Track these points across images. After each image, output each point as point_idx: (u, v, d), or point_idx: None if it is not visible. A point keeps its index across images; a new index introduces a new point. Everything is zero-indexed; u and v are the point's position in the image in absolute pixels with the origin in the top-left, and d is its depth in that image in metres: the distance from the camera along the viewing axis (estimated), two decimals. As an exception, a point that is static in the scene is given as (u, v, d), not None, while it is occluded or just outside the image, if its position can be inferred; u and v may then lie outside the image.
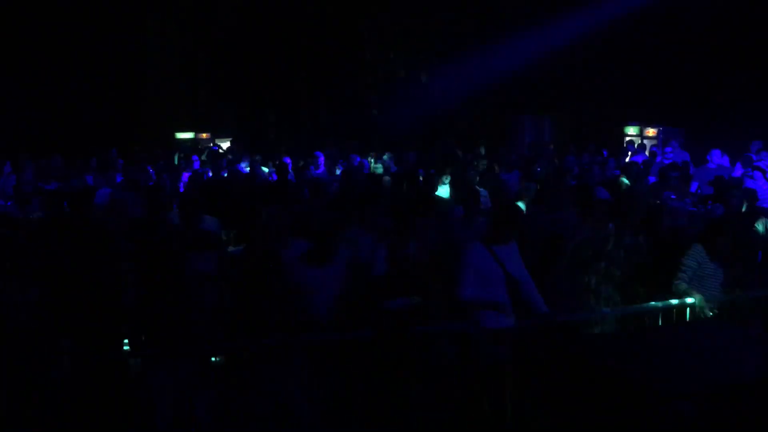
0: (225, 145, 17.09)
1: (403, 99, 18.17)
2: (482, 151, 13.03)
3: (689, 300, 5.49)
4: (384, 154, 13.24)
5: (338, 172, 11.21)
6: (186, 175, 10.28)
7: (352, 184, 8.53)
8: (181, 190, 9.50)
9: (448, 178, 8.90)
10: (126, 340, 4.95)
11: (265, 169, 11.44)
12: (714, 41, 13.38)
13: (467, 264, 4.72)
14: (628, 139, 15.20)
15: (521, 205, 6.85)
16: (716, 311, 5.60)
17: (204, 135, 17.99)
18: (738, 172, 10.25)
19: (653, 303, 5.59)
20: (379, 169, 11.75)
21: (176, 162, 13.11)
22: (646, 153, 13.09)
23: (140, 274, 5.15)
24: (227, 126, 18.69)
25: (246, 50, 18.52)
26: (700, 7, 13.52)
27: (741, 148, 11.10)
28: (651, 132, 14.96)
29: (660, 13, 14.13)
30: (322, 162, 11.73)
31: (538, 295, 4.92)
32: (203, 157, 13.21)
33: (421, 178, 8.77)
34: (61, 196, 6.59)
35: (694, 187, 9.42)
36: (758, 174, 9.38)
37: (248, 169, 11.21)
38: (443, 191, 8.72)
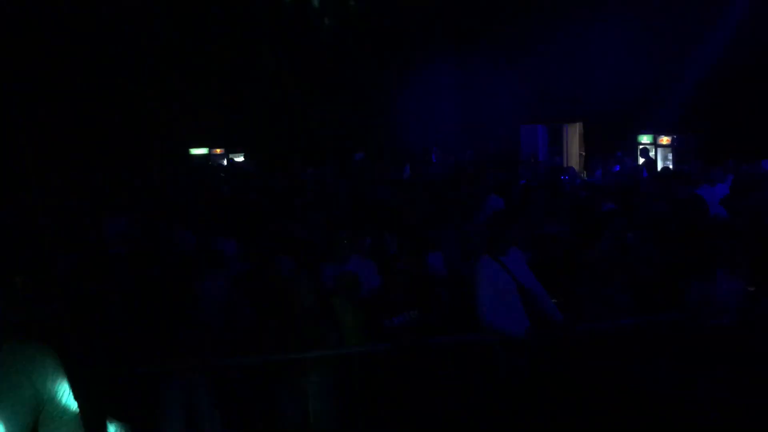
0: (238, 159, 17.16)
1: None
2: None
3: None
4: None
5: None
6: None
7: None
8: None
9: None
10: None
11: None
12: (730, 48, 13.21)
13: (481, 279, 4.64)
14: (641, 147, 15.05)
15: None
16: None
17: (218, 150, 18.06)
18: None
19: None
20: None
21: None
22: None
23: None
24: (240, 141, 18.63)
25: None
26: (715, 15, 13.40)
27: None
28: (665, 140, 14.78)
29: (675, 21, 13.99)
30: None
31: (551, 303, 4.85)
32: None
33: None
34: None
35: None
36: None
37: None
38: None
